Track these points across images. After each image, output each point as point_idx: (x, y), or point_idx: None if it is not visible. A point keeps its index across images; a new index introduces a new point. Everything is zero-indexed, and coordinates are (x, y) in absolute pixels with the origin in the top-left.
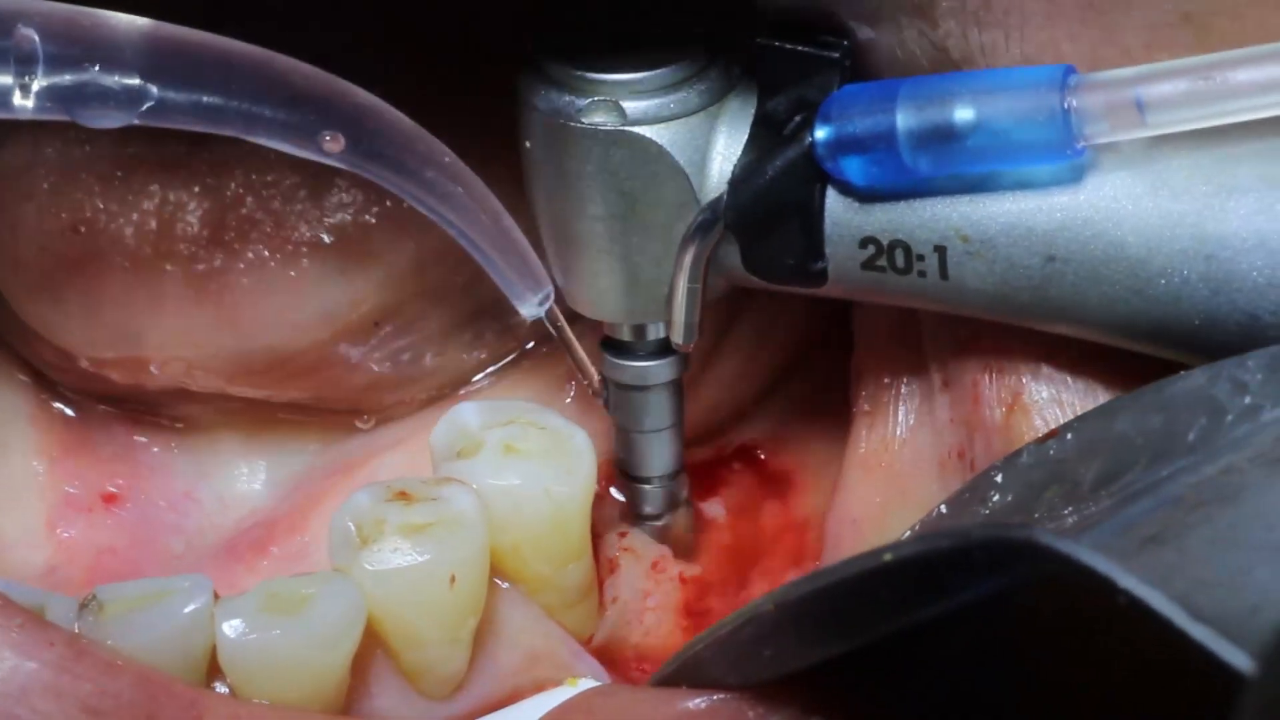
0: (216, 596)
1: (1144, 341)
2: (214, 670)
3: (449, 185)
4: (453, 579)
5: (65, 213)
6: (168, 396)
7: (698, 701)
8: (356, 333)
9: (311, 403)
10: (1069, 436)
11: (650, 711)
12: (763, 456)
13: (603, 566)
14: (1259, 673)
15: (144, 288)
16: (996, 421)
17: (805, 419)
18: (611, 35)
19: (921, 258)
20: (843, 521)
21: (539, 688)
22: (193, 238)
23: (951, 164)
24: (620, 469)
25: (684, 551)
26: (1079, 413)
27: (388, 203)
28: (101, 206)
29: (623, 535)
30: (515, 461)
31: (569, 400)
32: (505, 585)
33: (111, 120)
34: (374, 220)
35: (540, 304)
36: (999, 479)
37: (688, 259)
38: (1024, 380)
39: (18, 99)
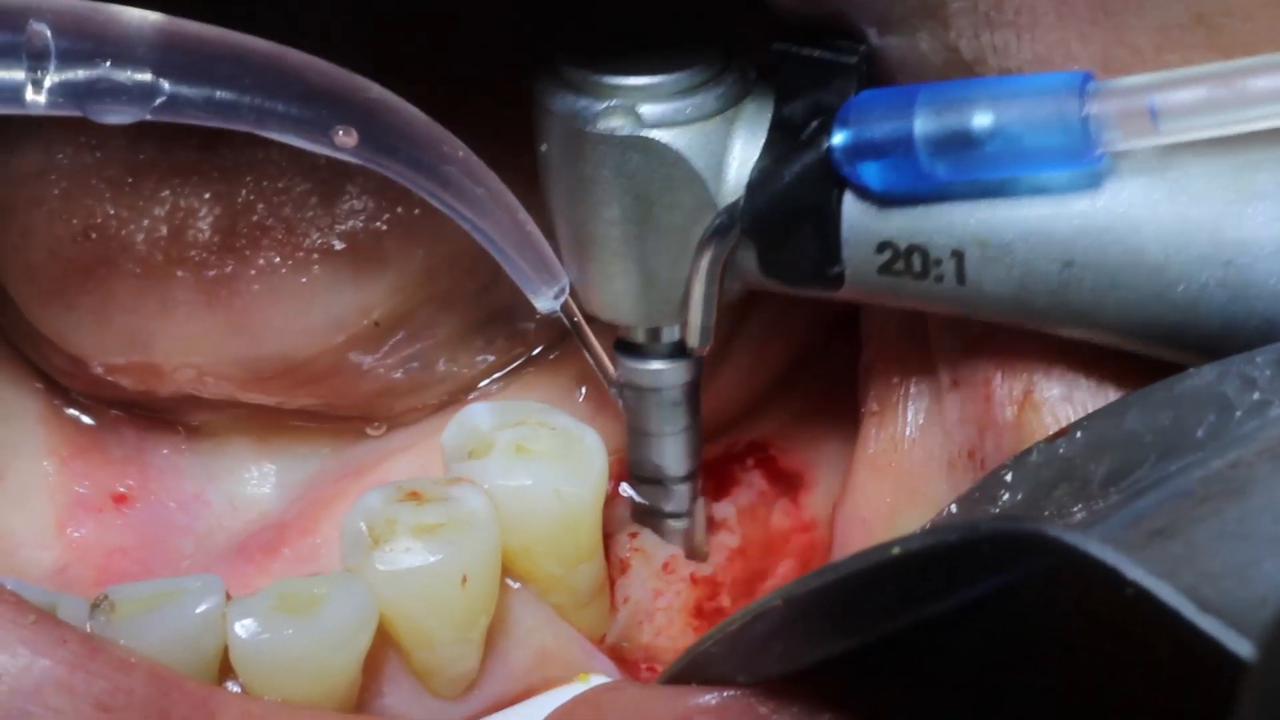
0: (228, 597)
1: (1162, 347)
2: (226, 670)
3: (463, 180)
4: (464, 579)
5: (76, 219)
6: (178, 402)
7: (707, 698)
8: (368, 339)
9: (322, 409)
10: (1078, 434)
11: (659, 708)
12: (774, 454)
13: (614, 566)
14: (1260, 659)
15: (155, 294)
16: (1008, 420)
17: (816, 417)
18: (628, 39)
19: (939, 262)
20: (852, 521)
21: (550, 687)
22: (204, 244)
23: (969, 169)
24: (634, 470)
25: (695, 552)
26: (1090, 410)
27: (399, 209)
28: (113, 212)
29: (634, 535)
30: (526, 462)
31: (580, 401)
32: (516, 585)
33: (124, 116)
34: (385, 227)
35: (556, 297)
36: (1009, 478)
37: (704, 263)
38: (1035, 378)
39: (30, 94)
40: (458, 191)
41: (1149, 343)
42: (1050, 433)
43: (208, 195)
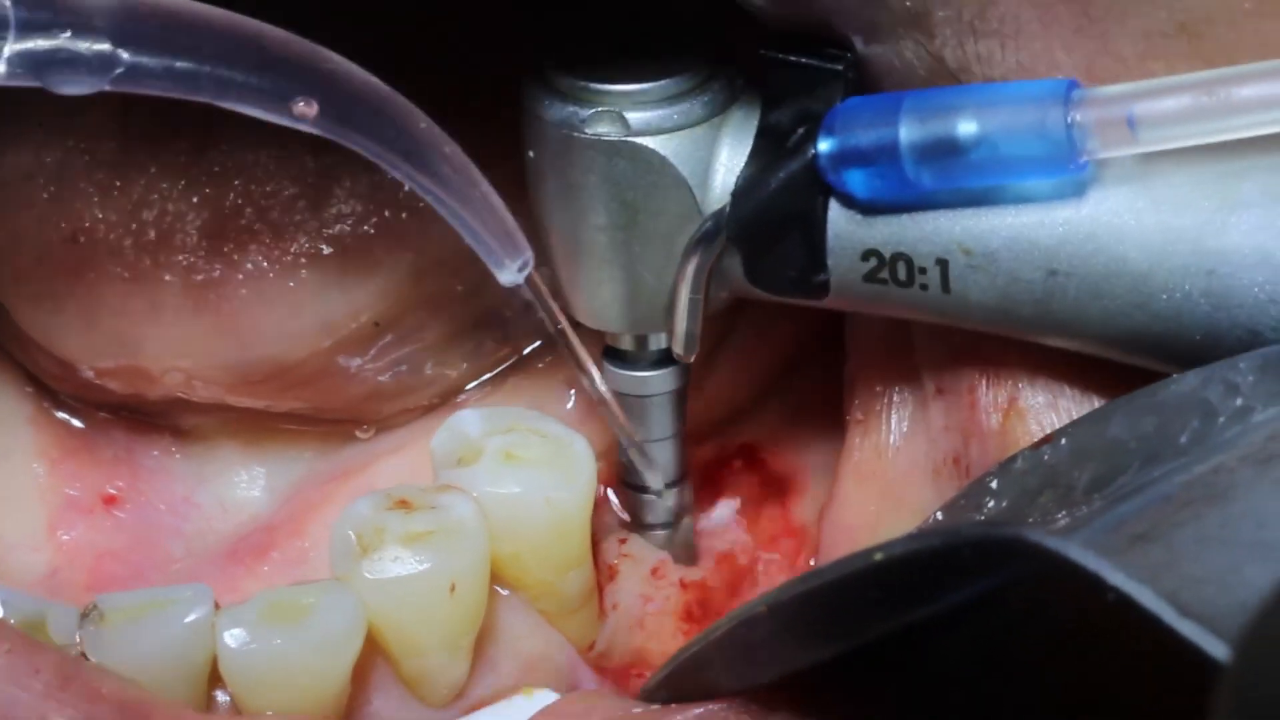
0: (217, 606)
1: (1145, 356)
2: (215, 679)
3: (424, 150)
4: (453, 587)
5: (65, 222)
6: (167, 405)
7: (687, 715)
8: (356, 343)
9: (311, 412)
10: (1063, 441)
11: None
12: (764, 458)
13: (602, 572)
14: (1235, 662)
15: (143, 297)
16: (993, 427)
17: (807, 421)
18: (616, 46)
19: (923, 271)
20: (838, 529)
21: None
22: (192, 248)
23: (954, 177)
24: (622, 477)
25: (684, 557)
26: (1075, 417)
27: (386, 213)
28: (100, 216)
29: (622, 541)
30: (515, 469)
31: (569, 407)
32: (505, 592)
33: (82, 86)
34: (373, 231)
35: (520, 270)
36: (994, 485)
37: (690, 270)
38: (1020, 385)
39: None
40: (420, 162)
41: (1132, 352)
42: (1035, 440)
43: (196, 199)
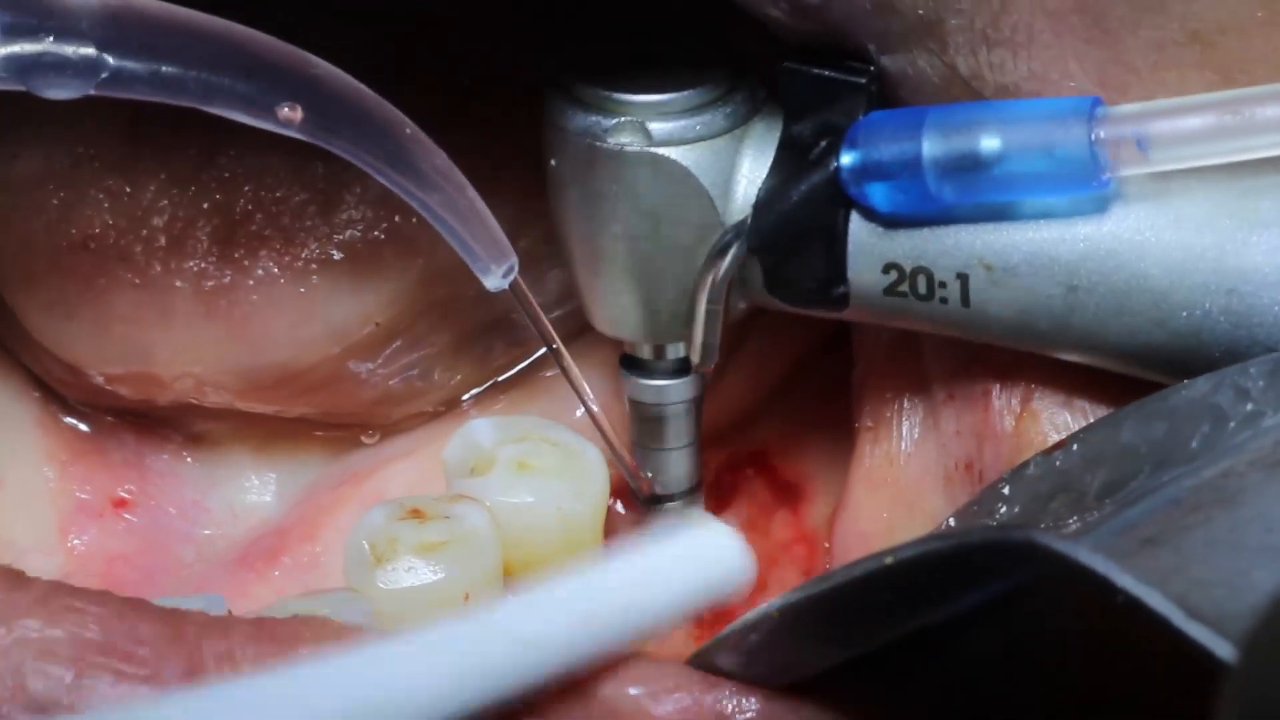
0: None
1: (1164, 373)
2: None
3: (410, 157)
4: (466, 596)
5: (75, 229)
6: (177, 411)
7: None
8: (366, 348)
9: (321, 417)
10: (1074, 447)
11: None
12: (775, 464)
13: None
14: (1240, 663)
15: (154, 304)
16: (1007, 430)
17: (817, 427)
18: (638, 56)
19: (944, 285)
20: (851, 536)
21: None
22: (202, 254)
23: (976, 193)
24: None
25: None
26: (1089, 419)
27: (397, 219)
28: (111, 223)
29: None
30: (528, 479)
31: (579, 414)
32: None
33: (68, 91)
34: (383, 236)
35: (505, 275)
36: (1006, 491)
37: (710, 280)
38: (1035, 389)
39: None
40: (405, 168)
41: (1151, 369)
42: (1049, 443)
43: (206, 205)
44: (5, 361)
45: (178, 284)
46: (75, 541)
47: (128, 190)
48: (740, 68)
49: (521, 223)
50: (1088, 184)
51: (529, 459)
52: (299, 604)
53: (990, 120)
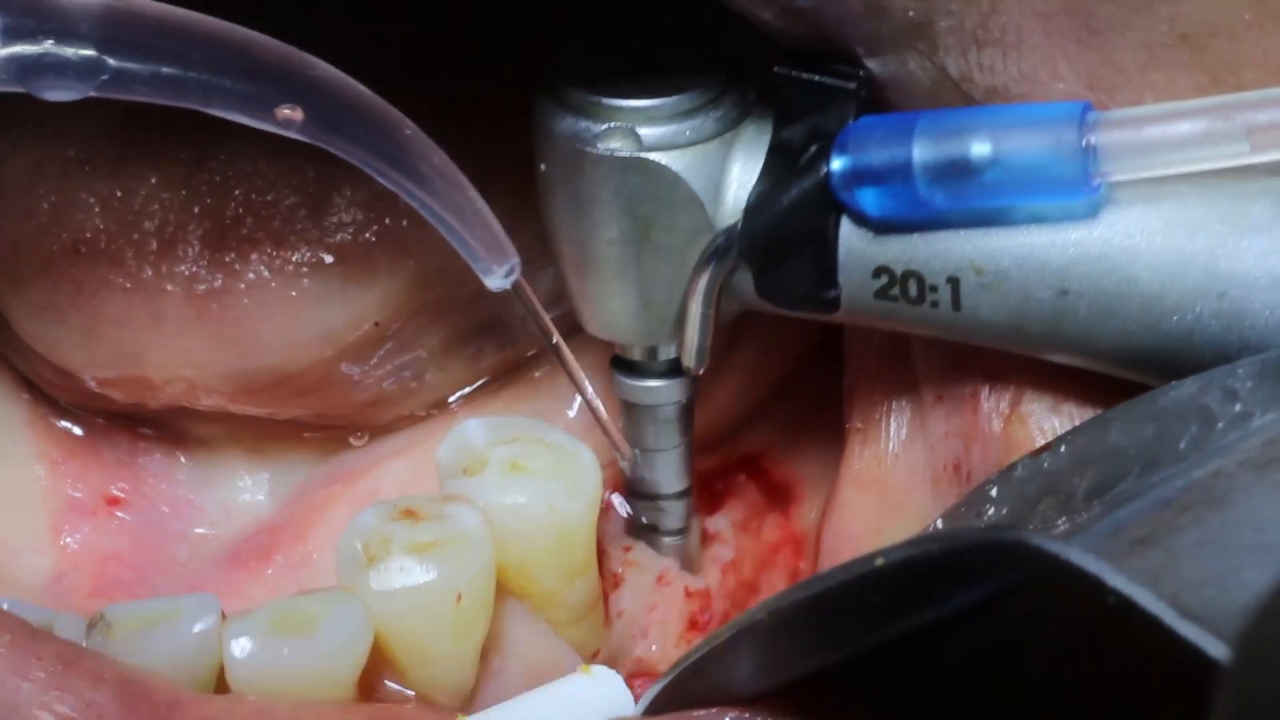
0: (224, 616)
1: (1155, 376)
2: (222, 689)
3: (411, 157)
4: (459, 597)
5: (66, 233)
6: (170, 413)
7: None
8: (358, 351)
9: (313, 419)
10: (1062, 448)
11: None
12: (766, 467)
13: (607, 580)
14: (1235, 661)
15: (145, 308)
16: (995, 432)
17: (809, 430)
18: (628, 61)
19: (934, 288)
20: (839, 537)
21: None
22: (193, 258)
23: (967, 198)
24: (628, 485)
25: (689, 565)
26: (1077, 422)
27: (387, 221)
28: (102, 226)
29: (627, 549)
30: (521, 479)
31: (572, 415)
32: (511, 601)
33: (68, 93)
34: (374, 239)
35: (507, 275)
36: (994, 493)
37: (701, 285)
38: (1023, 391)
39: None
40: (405, 168)
41: (1142, 372)
42: (1036, 445)
43: (197, 209)
44: None
45: (169, 288)
46: (68, 540)
47: (118, 194)
48: (730, 72)
49: (514, 221)
50: (1079, 189)
51: (522, 460)
52: (291, 604)
53: (981, 125)
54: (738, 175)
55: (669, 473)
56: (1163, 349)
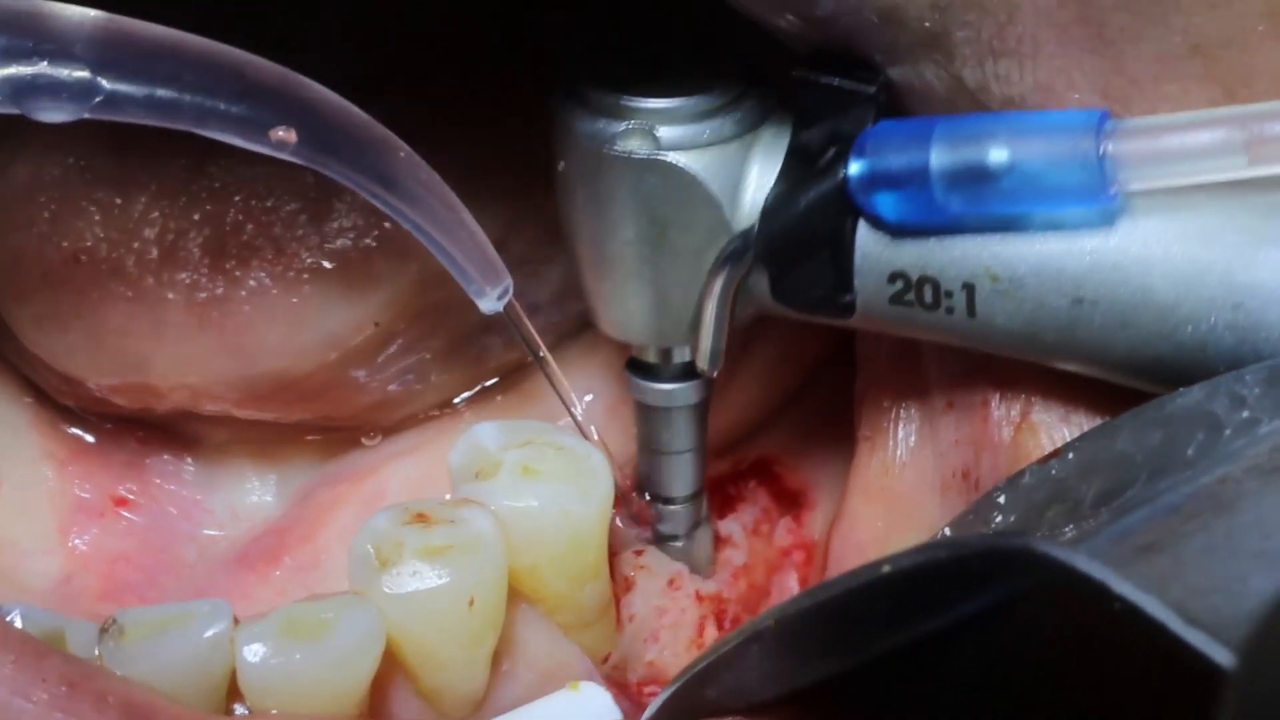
0: (236, 620)
1: (1168, 386)
2: (234, 693)
3: (405, 180)
4: (471, 601)
5: (67, 241)
6: (176, 417)
7: None
8: (362, 355)
9: (319, 422)
10: (1070, 456)
11: None
12: (779, 472)
13: (619, 584)
14: (1239, 668)
15: (147, 316)
16: (1005, 440)
17: (820, 436)
18: (648, 62)
19: (950, 295)
20: (848, 545)
21: None
22: (194, 265)
23: (984, 204)
24: (641, 488)
25: (701, 569)
26: (1086, 430)
27: (387, 225)
28: (102, 235)
29: (639, 553)
30: (533, 483)
31: (579, 414)
32: (523, 605)
33: (62, 114)
34: (375, 244)
35: (499, 298)
36: (1002, 500)
37: (717, 286)
38: (1033, 400)
39: None
40: (399, 191)
41: (1155, 382)
42: (1045, 454)
43: (197, 216)
44: (1, 366)
45: (170, 296)
46: (76, 542)
47: (118, 202)
48: (750, 74)
49: (514, 222)
50: (1096, 197)
51: (534, 463)
52: (303, 608)
53: (999, 131)
54: (756, 177)
55: (682, 476)
56: (1176, 359)
